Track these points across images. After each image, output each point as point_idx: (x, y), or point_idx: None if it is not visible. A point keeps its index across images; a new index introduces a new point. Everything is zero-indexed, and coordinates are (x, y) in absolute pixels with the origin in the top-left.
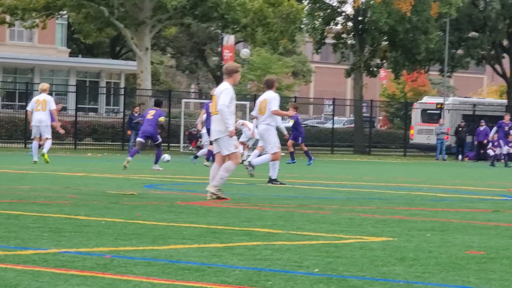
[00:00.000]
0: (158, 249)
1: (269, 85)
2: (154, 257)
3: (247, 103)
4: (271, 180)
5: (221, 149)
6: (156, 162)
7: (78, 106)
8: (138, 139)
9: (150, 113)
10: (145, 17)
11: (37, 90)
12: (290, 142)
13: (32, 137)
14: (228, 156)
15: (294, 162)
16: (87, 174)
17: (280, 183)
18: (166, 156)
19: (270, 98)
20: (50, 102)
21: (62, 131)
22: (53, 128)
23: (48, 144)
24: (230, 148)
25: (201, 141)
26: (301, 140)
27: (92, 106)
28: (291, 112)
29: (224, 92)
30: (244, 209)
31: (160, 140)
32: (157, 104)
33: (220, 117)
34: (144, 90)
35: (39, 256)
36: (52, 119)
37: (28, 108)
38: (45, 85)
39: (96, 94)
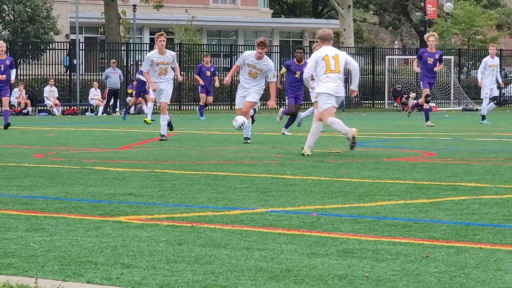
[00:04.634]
0: (364, 206)
1: None
2: (360, 214)
3: (452, 58)
4: None
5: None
6: None
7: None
8: None
9: None
10: None
11: (241, 52)
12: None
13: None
14: None
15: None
16: (292, 133)
17: None
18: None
19: None
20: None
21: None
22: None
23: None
24: None
25: (406, 97)
26: None
27: None
28: None
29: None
30: (450, 164)
31: None
32: None
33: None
34: (347, 48)
35: (247, 215)
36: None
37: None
38: None
39: None
